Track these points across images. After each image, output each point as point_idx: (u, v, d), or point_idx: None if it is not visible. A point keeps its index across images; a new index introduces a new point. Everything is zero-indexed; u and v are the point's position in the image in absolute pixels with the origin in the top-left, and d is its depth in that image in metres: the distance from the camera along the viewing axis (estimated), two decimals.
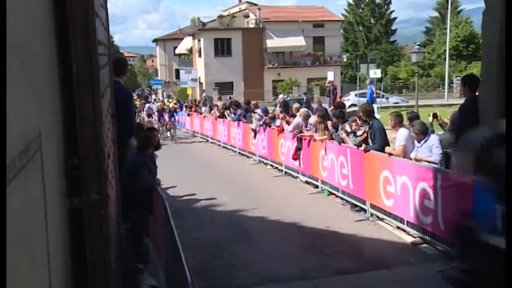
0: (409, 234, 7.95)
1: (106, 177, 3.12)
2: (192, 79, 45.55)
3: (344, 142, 10.07)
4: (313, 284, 6.23)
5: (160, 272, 6.37)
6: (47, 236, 1.92)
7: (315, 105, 19.83)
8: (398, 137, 8.39)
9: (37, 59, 1.97)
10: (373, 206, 9.03)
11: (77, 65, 2.47)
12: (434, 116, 10.28)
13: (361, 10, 65.92)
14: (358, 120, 10.09)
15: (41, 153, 1.88)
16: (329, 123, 11.14)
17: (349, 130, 10.13)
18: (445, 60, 44.25)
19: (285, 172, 13.60)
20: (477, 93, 7.07)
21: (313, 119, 11.89)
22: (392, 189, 8.17)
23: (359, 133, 9.71)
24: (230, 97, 30.16)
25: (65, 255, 2.44)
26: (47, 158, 1.99)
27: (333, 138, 10.76)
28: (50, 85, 2.27)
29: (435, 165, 7.41)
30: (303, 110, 12.91)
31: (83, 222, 2.69)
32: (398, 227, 8.25)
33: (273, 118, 14.92)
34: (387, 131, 9.32)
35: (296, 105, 15.52)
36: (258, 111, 16.51)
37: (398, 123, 8.59)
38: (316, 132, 11.48)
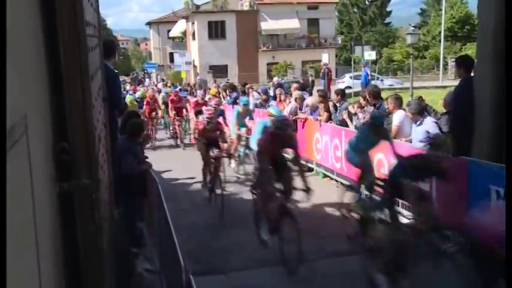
0: (404, 216, 7.95)
1: (97, 161, 3.08)
2: (186, 62, 45.26)
3: (343, 124, 10.01)
4: (307, 267, 6.23)
5: (154, 256, 6.36)
6: (34, 222, 1.89)
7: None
8: (394, 118, 8.37)
9: (22, 40, 1.91)
10: None
11: (64, 46, 2.41)
12: (419, 99, 10.26)
13: None
14: (361, 101, 10.03)
15: (27, 136, 1.83)
16: (330, 103, 11.14)
17: (352, 111, 10.07)
18: (440, 42, 44.18)
19: None
20: (472, 74, 7.02)
21: (310, 100, 11.85)
22: (386, 172, 8.14)
23: (362, 115, 9.65)
24: (228, 81, 29.96)
25: (55, 240, 2.41)
26: (34, 141, 1.95)
27: (331, 119, 10.73)
28: (36, 67, 2.21)
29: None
30: (298, 92, 12.84)
31: (74, 207, 2.66)
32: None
33: (266, 100, 14.84)
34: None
35: (295, 85, 15.47)
36: (255, 93, 16.41)
37: (397, 106, 8.53)
38: (311, 114, 11.44)
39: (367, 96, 9.64)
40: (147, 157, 7.08)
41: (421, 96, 10.54)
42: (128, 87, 33.06)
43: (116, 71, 7.20)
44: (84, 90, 2.65)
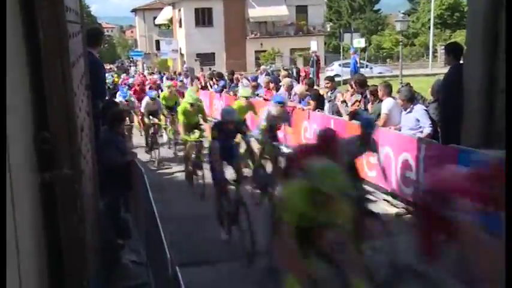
0: (393, 205, 8.00)
1: (79, 151, 3.04)
2: (172, 50, 44.99)
3: (338, 113, 9.97)
4: None
5: (140, 247, 6.34)
6: (14, 214, 1.85)
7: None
8: (383, 106, 8.36)
9: None
10: None
11: (43, 32, 2.36)
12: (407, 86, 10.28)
13: None
14: (350, 89, 10.01)
15: None
16: (321, 91, 11.16)
17: (341, 99, 10.05)
18: (430, 29, 44.27)
19: None
20: (461, 62, 7.04)
21: (298, 88, 11.83)
22: (375, 160, 8.17)
23: (350, 103, 9.63)
24: (210, 68, 29.83)
25: (37, 232, 2.38)
26: (12, 131, 1.91)
27: (318, 108, 10.70)
28: (14, 53, 2.16)
29: (419, 136, 7.41)
30: (286, 80, 12.81)
31: (56, 198, 2.62)
32: (382, 199, 8.30)
33: (256, 87, 14.80)
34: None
35: (284, 72, 15.41)
36: (245, 81, 16.36)
37: (387, 93, 8.51)
38: (300, 102, 11.42)
39: (353, 85, 9.64)
40: (132, 147, 7.03)
41: (408, 83, 10.55)
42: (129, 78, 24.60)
43: (101, 58, 7.14)
44: (65, 77, 2.61)
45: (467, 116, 6.69)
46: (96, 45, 6.33)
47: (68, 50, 2.62)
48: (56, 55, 2.49)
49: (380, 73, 34.49)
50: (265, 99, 13.79)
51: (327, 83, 11.05)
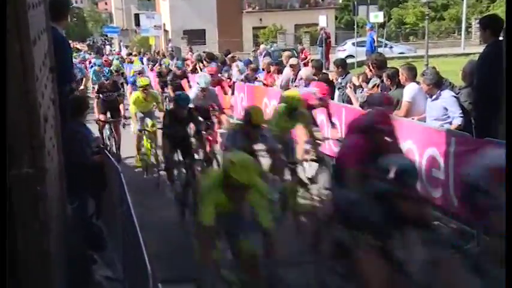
0: None
1: (42, 146, 3.03)
2: (155, 26, 45.01)
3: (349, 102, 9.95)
4: (304, 268, 6.27)
5: (116, 260, 6.34)
6: None
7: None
8: (405, 92, 8.32)
9: None
10: None
11: None
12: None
13: None
14: (367, 71, 9.97)
15: None
16: (332, 75, 11.14)
17: (356, 84, 10.02)
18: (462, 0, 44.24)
19: None
20: (500, 38, 7.00)
21: (304, 72, 11.81)
22: None
23: (369, 86, 9.59)
24: (190, 48, 30.06)
25: None
26: None
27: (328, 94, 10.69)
28: None
29: (447, 127, 7.38)
30: (294, 60, 12.79)
31: (13, 202, 2.62)
32: None
33: (255, 70, 14.77)
34: None
35: (287, 53, 15.38)
36: (240, 63, 16.35)
37: (410, 78, 8.43)
38: (306, 87, 11.41)
39: (370, 66, 9.59)
40: (106, 144, 7.06)
41: (434, 67, 10.52)
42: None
43: (69, 36, 7.10)
44: (23, 57, 2.59)
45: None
46: (61, 19, 6.25)
47: (27, 24, 2.60)
48: (12, 31, 2.47)
49: (401, 53, 34.43)
50: (265, 85, 13.78)
51: (336, 68, 11.00)
